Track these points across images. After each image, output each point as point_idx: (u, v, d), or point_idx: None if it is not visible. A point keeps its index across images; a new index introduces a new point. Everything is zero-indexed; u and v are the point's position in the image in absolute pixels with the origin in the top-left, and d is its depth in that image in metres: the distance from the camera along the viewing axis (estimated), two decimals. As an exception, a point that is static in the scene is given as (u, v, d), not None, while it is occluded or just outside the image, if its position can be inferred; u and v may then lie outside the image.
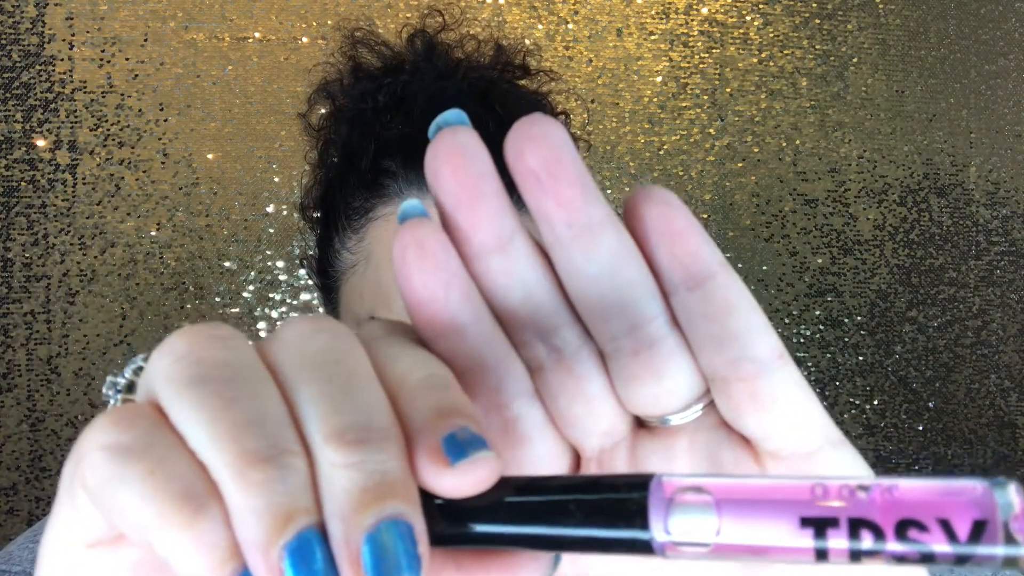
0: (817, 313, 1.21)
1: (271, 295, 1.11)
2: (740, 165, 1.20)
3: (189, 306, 1.09)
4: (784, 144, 1.21)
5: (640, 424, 0.23)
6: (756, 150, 1.20)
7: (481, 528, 0.19)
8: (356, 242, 0.59)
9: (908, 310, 1.24)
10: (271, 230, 1.11)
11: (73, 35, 1.07)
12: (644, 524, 0.17)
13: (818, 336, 1.21)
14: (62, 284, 1.07)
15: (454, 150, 0.21)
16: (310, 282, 1.11)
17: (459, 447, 0.18)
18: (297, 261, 1.10)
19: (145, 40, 1.08)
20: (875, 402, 1.22)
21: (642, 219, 0.21)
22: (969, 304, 1.25)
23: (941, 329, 1.24)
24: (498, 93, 0.61)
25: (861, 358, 1.22)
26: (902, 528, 0.16)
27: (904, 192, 1.24)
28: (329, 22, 1.12)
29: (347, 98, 0.63)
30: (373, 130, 0.60)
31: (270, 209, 1.11)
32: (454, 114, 0.22)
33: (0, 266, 1.06)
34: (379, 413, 0.19)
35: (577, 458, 0.24)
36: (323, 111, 0.66)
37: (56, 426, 1.06)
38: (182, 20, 1.09)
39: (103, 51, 1.08)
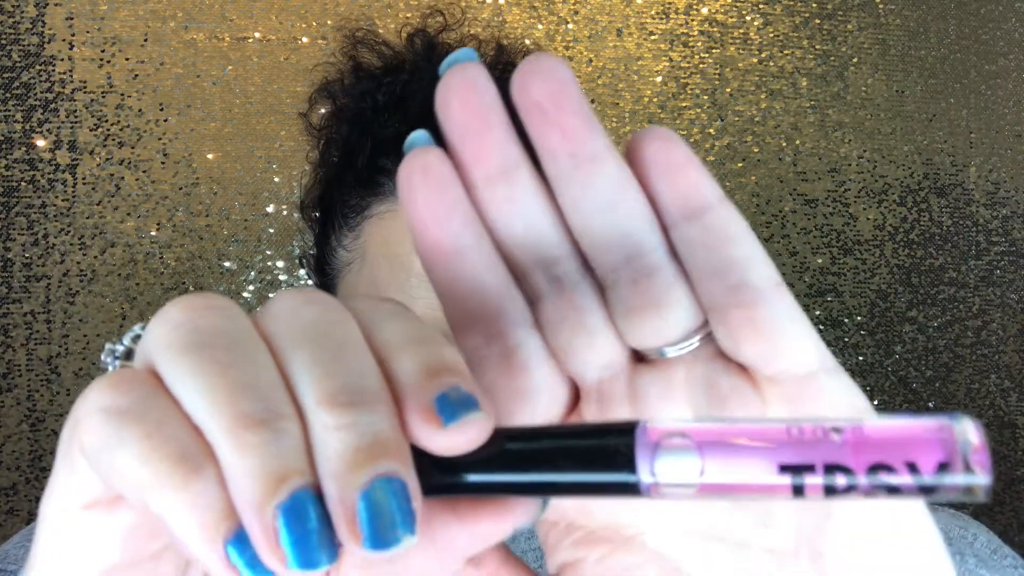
0: (817, 313, 1.21)
1: (271, 295, 1.11)
2: (740, 165, 1.20)
3: (189, 306, 1.09)
4: (784, 144, 1.21)
5: (638, 357, 0.24)
6: (756, 150, 1.20)
7: (473, 478, 0.19)
8: (352, 240, 0.60)
9: (908, 310, 1.24)
10: (271, 230, 1.11)
11: (73, 35, 1.07)
12: (631, 467, 0.18)
13: (818, 337, 1.21)
14: (62, 284, 1.07)
15: (463, 83, 0.22)
16: (310, 282, 1.11)
17: (451, 407, 0.19)
18: (297, 260, 1.10)
19: (145, 40, 1.08)
20: (875, 402, 1.22)
21: (643, 154, 0.22)
22: (969, 304, 1.25)
23: (941, 329, 1.24)
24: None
25: (861, 358, 1.22)
26: (873, 471, 0.17)
27: (904, 192, 1.24)
28: (329, 22, 1.12)
29: (347, 98, 0.64)
30: (371, 129, 0.61)
31: (270, 209, 1.11)
32: (465, 52, 0.22)
33: (0, 266, 1.06)
34: (369, 376, 0.19)
35: (576, 391, 0.24)
36: (324, 111, 0.66)
37: (56, 426, 1.06)
38: (182, 20, 1.09)
39: (103, 51, 1.08)
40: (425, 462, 0.19)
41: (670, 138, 0.22)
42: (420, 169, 0.22)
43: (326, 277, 0.63)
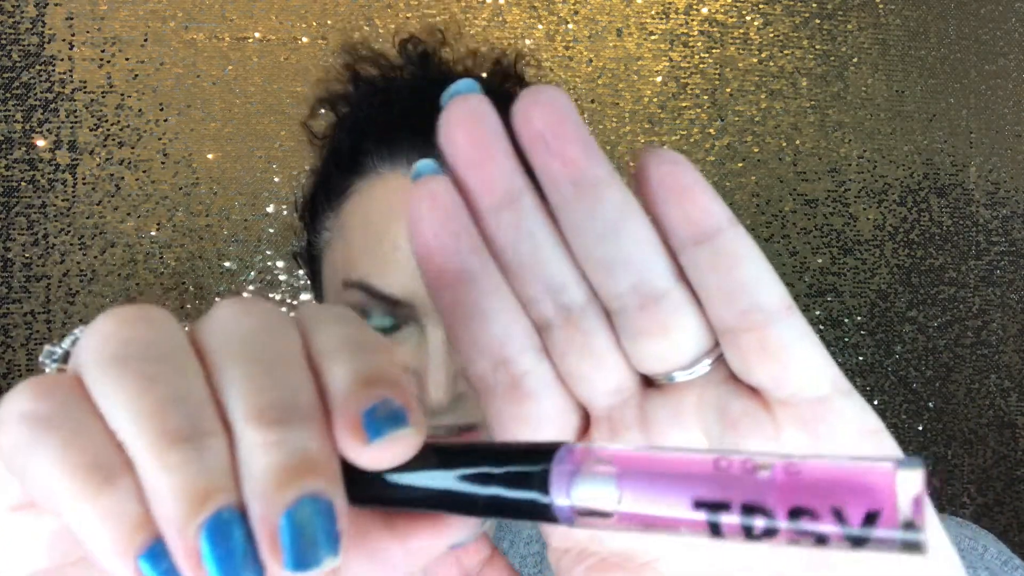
0: (817, 313, 1.21)
1: (271, 295, 1.11)
2: (740, 165, 1.20)
3: (189, 306, 1.09)
4: (784, 144, 1.21)
5: (648, 383, 0.23)
6: (756, 150, 1.20)
7: (398, 491, 0.19)
8: (333, 219, 0.61)
9: (908, 310, 1.24)
10: (271, 230, 1.11)
11: (73, 35, 1.07)
12: (545, 489, 0.18)
13: (818, 336, 1.21)
14: (62, 284, 1.07)
15: (467, 114, 0.22)
16: (310, 282, 1.11)
17: (378, 424, 0.18)
18: (293, 258, 1.10)
19: (145, 40, 1.08)
20: (875, 402, 1.22)
21: (649, 177, 0.21)
22: (969, 304, 1.25)
23: (941, 329, 1.24)
24: (488, 93, 0.62)
25: (861, 358, 1.22)
26: (794, 515, 0.16)
27: (904, 192, 1.24)
28: (329, 22, 1.12)
29: (347, 107, 0.65)
30: (359, 121, 0.62)
31: (270, 209, 1.11)
32: (466, 83, 0.22)
33: (0, 266, 1.06)
34: (302, 392, 0.19)
35: (587, 418, 0.24)
36: (326, 119, 0.67)
37: (56, 426, 1.06)
38: (182, 20, 1.09)
39: (103, 51, 1.08)
40: (355, 472, 0.19)
41: (677, 161, 0.21)
42: (427, 197, 0.22)
43: (313, 263, 0.64)
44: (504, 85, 0.65)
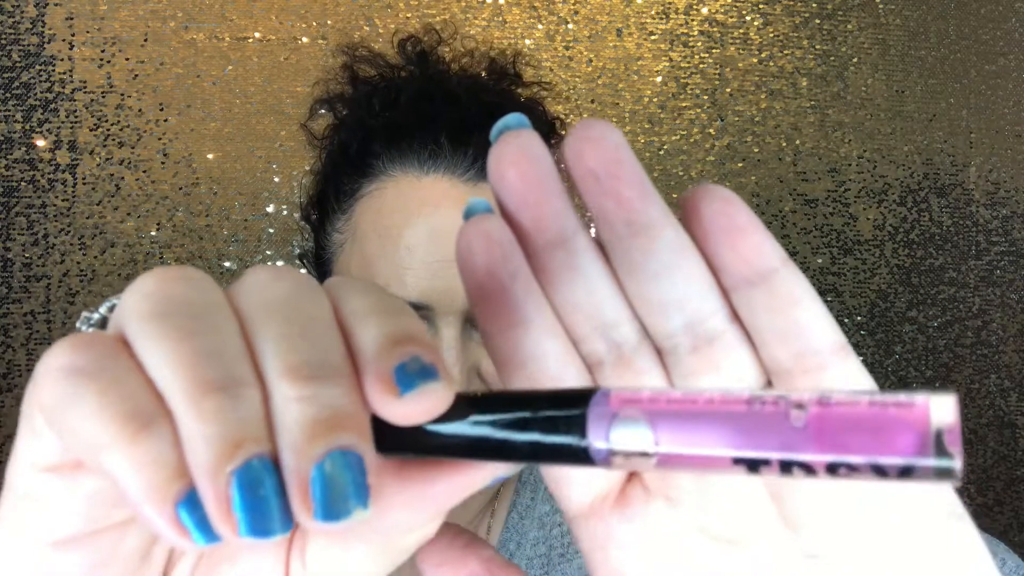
0: (817, 313, 1.22)
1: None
2: (740, 165, 1.20)
3: (189, 306, 1.09)
4: (784, 144, 1.21)
5: None
6: (756, 150, 1.20)
7: (433, 440, 0.20)
8: (344, 222, 0.61)
9: (908, 310, 1.24)
10: (271, 230, 1.11)
11: (73, 35, 1.07)
12: (582, 433, 0.18)
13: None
14: (62, 284, 1.07)
15: (518, 151, 0.21)
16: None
17: (409, 377, 0.19)
18: (297, 259, 1.10)
19: (145, 40, 1.08)
20: (875, 402, 1.22)
21: (702, 217, 0.21)
22: (969, 304, 1.25)
23: (941, 329, 1.24)
24: (488, 92, 0.63)
25: (861, 358, 1.22)
26: (832, 469, 0.16)
27: (904, 192, 1.24)
28: (329, 22, 1.12)
29: (346, 108, 0.65)
30: (364, 122, 0.62)
31: (270, 209, 1.11)
32: (515, 118, 0.22)
33: (0, 266, 1.06)
34: (333, 351, 0.19)
35: None
36: (324, 120, 0.67)
37: (56, 426, 1.06)
38: (182, 20, 1.09)
39: (103, 51, 1.08)
40: (390, 428, 0.19)
41: (730, 200, 0.21)
42: (481, 237, 0.22)
43: (323, 265, 0.64)
44: (501, 84, 0.65)
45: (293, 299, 0.20)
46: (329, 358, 0.19)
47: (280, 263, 1.11)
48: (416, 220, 0.56)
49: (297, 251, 1.10)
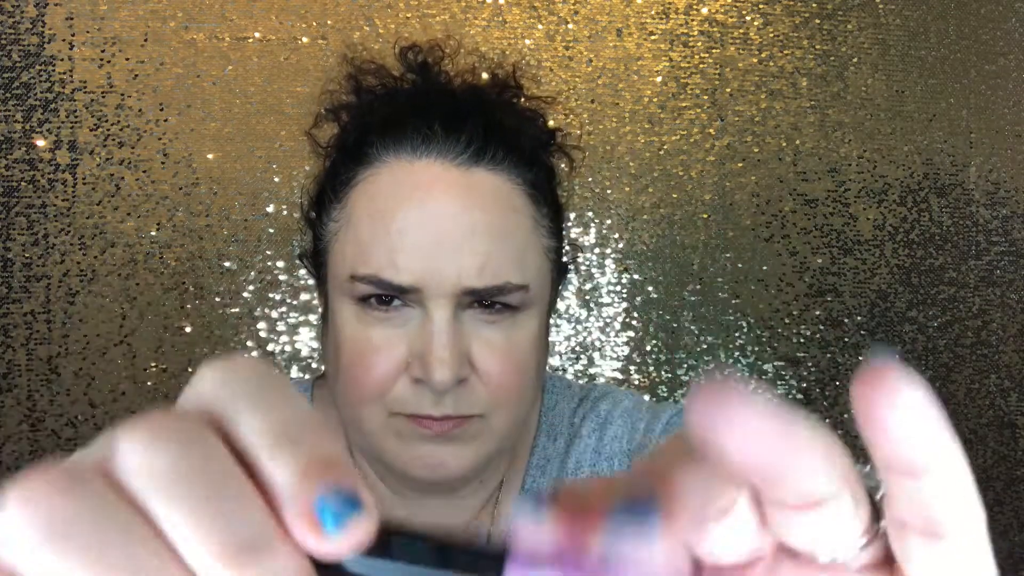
0: (817, 313, 1.21)
1: (271, 295, 1.11)
2: (740, 165, 1.20)
3: (189, 306, 1.09)
4: (784, 144, 1.21)
5: (786, 549, 0.22)
6: (756, 150, 1.20)
7: (351, 569, 0.20)
8: (339, 210, 0.61)
9: (908, 310, 1.24)
10: (271, 230, 1.11)
11: (73, 35, 1.07)
12: None
13: (818, 336, 1.21)
14: (62, 284, 1.07)
15: (753, 414, 0.19)
16: (310, 282, 1.11)
17: (333, 514, 0.18)
18: (297, 259, 1.10)
19: (145, 40, 1.08)
20: (875, 402, 1.22)
21: (870, 401, 0.19)
22: (969, 304, 1.25)
23: (941, 329, 1.24)
24: (489, 100, 0.63)
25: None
26: None
27: (904, 192, 1.24)
28: (329, 22, 1.12)
29: (350, 116, 0.65)
30: (363, 119, 0.63)
31: (270, 209, 1.11)
32: (742, 382, 0.20)
33: (0, 266, 1.06)
34: (255, 516, 0.19)
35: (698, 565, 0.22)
36: (329, 129, 0.68)
37: (56, 426, 1.06)
38: (182, 20, 1.09)
39: (103, 51, 1.07)
40: (316, 562, 0.19)
41: (902, 388, 0.19)
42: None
43: (320, 257, 0.64)
44: (503, 95, 0.66)
45: (184, 465, 0.18)
46: (255, 526, 0.18)
47: (280, 263, 1.11)
48: (408, 204, 0.57)
49: (297, 251, 1.10)
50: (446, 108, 0.60)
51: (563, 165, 0.67)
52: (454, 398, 0.56)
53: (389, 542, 0.20)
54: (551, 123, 0.68)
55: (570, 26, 1.16)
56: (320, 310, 0.68)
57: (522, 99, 0.67)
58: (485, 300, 0.57)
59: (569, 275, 0.70)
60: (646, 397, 1.17)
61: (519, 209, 0.59)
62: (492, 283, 0.56)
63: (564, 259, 0.66)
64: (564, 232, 0.67)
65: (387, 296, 0.57)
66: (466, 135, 0.58)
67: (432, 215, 0.56)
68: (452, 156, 0.58)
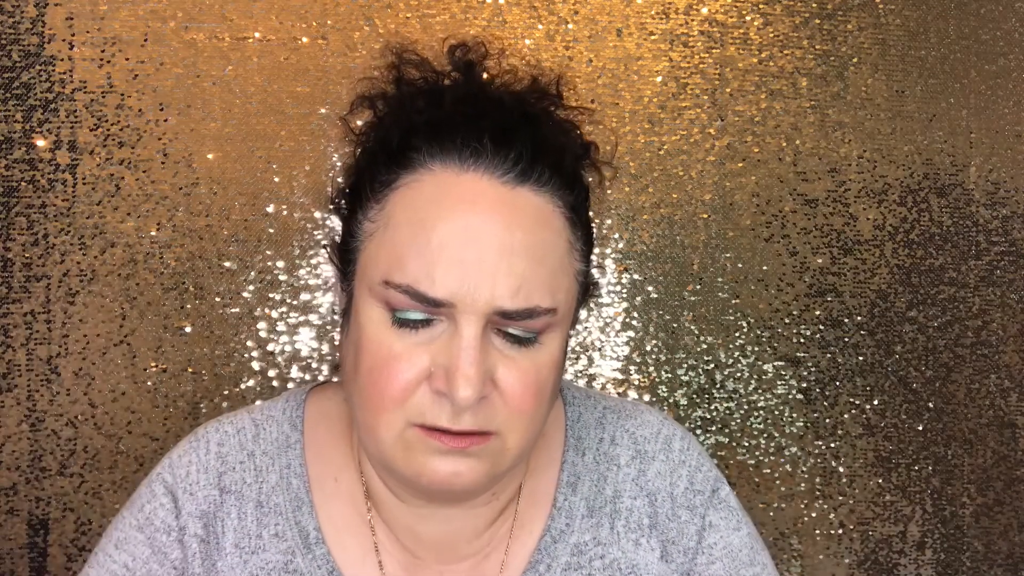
0: (817, 313, 1.21)
1: (271, 295, 1.11)
2: (740, 165, 1.20)
3: (189, 306, 1.09)
4: (784, 144, 1.21)
5: None
6: (756, 150, 1.20)
7: None
8: (377, 211, 0.61)
9: (908, 310, 1.24)
10: (271, 230, 1.11)
11: (73, 35, 1.07)
12: None
13: (818, 336, 1.21)
14: (62, 284, 1.07)
15: None
16: (311, 282, 1.11)
17: None
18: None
19: (145, 40, 1.08)
20: (875, 402, 1.22)
21: None
22: (969, 304, 1.25)
23: (941, 329, 1.24)
24: (530, 106, 0.63)
25: (861, 358, 1.22)
26: None
27: (904, 192, 1.24)
28: (329, 22, 1.12)
29: (388, 106, 0.65)
30: (408, 118, 0.62)
31: (270, 209, 1.11)
32: None
33: (0, 266, 1.06)
34: None
35: None
36: (361, 119, 0.67)
37: (56, 426, 1.06)
38: (182, 20, 1.09)
39: (103, 51, 1.08)
40: None
41: None
42: None
43: (349, 255, 0.63)
44: (542, 104, 0.65)
45: None
46: None
47: (280, 264, 1.11)
48: (451, 216, 0.56)
49: (297, 252, 1.10)
50: (495, 120, 0.59)
51: (590, 178, 0.67)
52: (472, 413, 0.56)
53: None
54: (590, 133, 0.68)
55: (570, 26, 1.16)
56: (340, 306, 0.67)
57: (559, 109, 0.67)
58: (512, 323, 0.57)
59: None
60: (646, 397, 1.18)
61: (558, 232, 0.59)
62: (524, 306, 0.56)
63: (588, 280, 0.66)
64: (592, 255, 0.66)
65: (420, 322, 0.56)
66: (515, 153, 0.58)
67: (474, 232, 0.56)
68: (500, 173, 0.58)
